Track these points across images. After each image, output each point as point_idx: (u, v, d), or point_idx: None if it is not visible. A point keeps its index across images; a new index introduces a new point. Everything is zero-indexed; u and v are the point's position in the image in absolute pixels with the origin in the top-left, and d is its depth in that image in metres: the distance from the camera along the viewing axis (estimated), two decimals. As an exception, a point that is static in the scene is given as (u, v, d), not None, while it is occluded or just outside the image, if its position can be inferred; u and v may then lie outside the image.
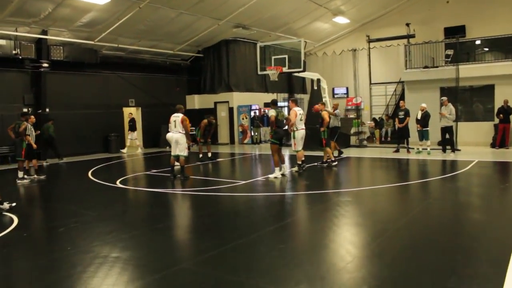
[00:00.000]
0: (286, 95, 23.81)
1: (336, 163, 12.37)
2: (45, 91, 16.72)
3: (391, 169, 12.79)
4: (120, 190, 9.84)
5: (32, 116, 11.88)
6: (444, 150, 14.45)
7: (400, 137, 15.60)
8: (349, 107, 23.98)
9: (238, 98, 21.79)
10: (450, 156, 13.91)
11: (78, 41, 17.10)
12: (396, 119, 15.53)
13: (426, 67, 17.44)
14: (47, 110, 16.89)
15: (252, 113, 21.18)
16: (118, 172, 13.52)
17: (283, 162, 10.91)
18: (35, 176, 11.70)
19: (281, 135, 10.76)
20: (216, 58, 22.25)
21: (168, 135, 11.04)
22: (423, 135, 14.57)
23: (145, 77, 21.12)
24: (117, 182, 10.60)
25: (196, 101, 23.03)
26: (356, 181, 10.97)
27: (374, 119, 21.20)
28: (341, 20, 22.29)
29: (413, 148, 15.13)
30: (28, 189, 10.55)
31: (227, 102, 22.07)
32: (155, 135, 20.90)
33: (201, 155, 14.73)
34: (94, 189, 10.21)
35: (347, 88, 24.59)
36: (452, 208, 7.47)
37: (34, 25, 15.51)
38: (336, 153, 13.97)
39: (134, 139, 19.39)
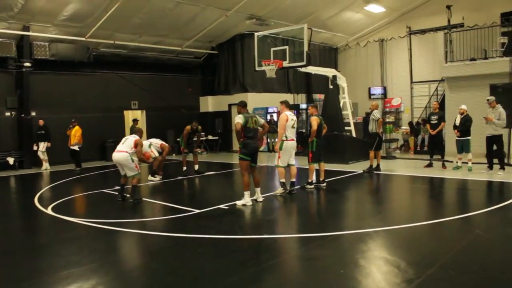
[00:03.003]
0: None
1: (325, 184, 9.67)
2: (28, 93, 15.13)
3: (413, 193, 9.65)
4: (36, 217, 7.70)
5: None
6: (490, 167, 11.09)
7: (432, 147, 12.45)
8: (387, 109, 20.91)
9: (255, 100, 19.18)
10: (498, 175, 10.61)
11: (68, 37, 15.42)
12: (428, 125, 12.40)
13: (472, 59, 14.06)
14: (33, 114, 15.32)
15: (269, 117, 18.58)
16: (73, 190, 10.95)
17: (257, 185, 8.35)
18: None
19: (252, 148, 8.17)
20: (230, 55, 19.94)
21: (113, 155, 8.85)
22: (463, 146, 11.34)
23: (151, 77, 19.12)
24: (49, 207, 8.44)
25: (209, 103, 20.86)
26: (349, 215, 7.98)
27: (410, 124, 17.86)
28: (375, 8, 19.23)
29: (450, 162, 11.96)
30: None
31: (243, 104, 19.64)
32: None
33: (185, 168, 12.34)
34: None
35: (384, 88, 21.47)
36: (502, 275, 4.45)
37: (12, 21, 13.94)
38: (373, 165, 11.86)
39: (43, 152, 14.99)
